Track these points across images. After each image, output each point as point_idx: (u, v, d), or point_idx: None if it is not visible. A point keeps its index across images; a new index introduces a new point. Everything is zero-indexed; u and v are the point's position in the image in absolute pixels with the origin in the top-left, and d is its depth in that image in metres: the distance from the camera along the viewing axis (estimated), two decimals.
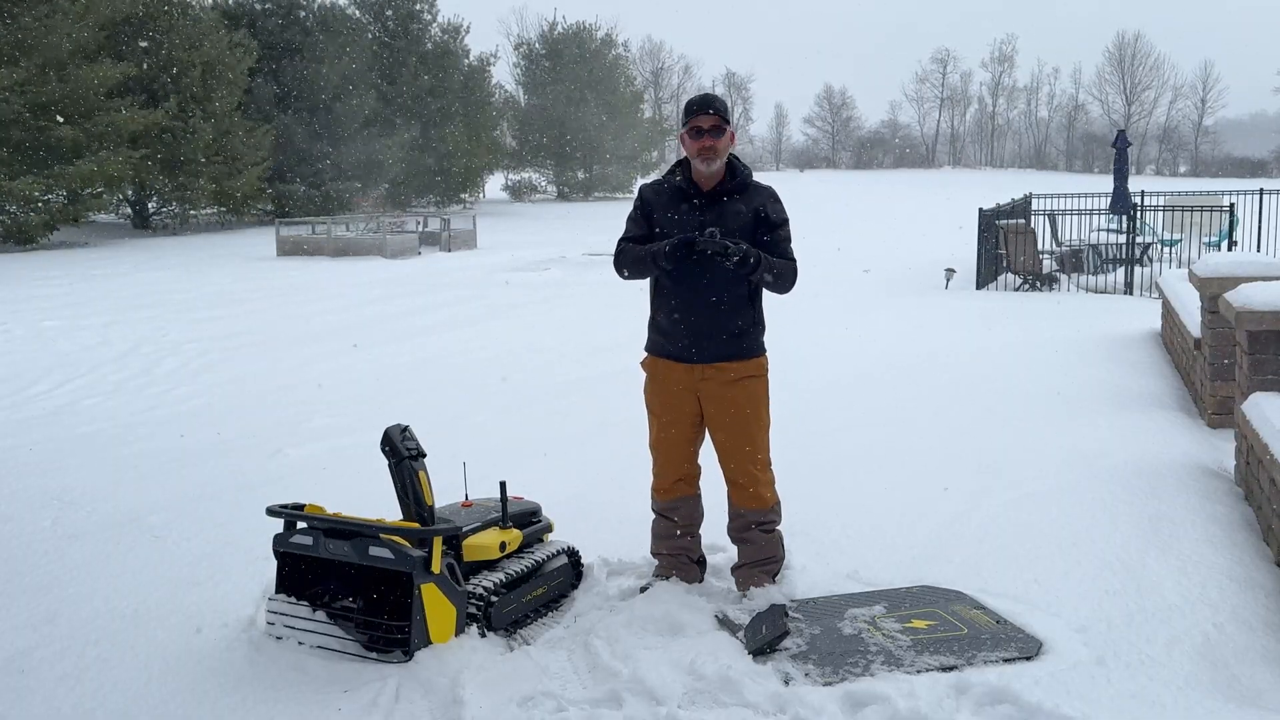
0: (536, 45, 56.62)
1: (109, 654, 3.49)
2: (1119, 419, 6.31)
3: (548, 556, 3.83)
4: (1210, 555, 4.02)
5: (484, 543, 3.61)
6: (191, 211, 32.29)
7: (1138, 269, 13.80)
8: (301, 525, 3.49)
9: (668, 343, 3.79)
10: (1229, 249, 15.43)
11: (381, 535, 3.30)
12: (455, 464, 5.80)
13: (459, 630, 3.37)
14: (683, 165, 3.80)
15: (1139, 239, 14.35)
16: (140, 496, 5.31)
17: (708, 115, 3.63)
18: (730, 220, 3.68)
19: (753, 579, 3.82)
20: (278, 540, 3.50)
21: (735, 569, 3.90)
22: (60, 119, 25.23)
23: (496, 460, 5.83)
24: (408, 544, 3.29)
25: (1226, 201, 16.11)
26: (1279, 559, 3.99)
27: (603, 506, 4.88)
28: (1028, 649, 3.30)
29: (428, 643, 3.29)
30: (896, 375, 8.02)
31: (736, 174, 3.75)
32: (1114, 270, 14.29)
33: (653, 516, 3.98)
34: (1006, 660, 3.24)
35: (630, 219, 3.87)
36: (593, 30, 56.27)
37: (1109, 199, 18.14)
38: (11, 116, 24.17)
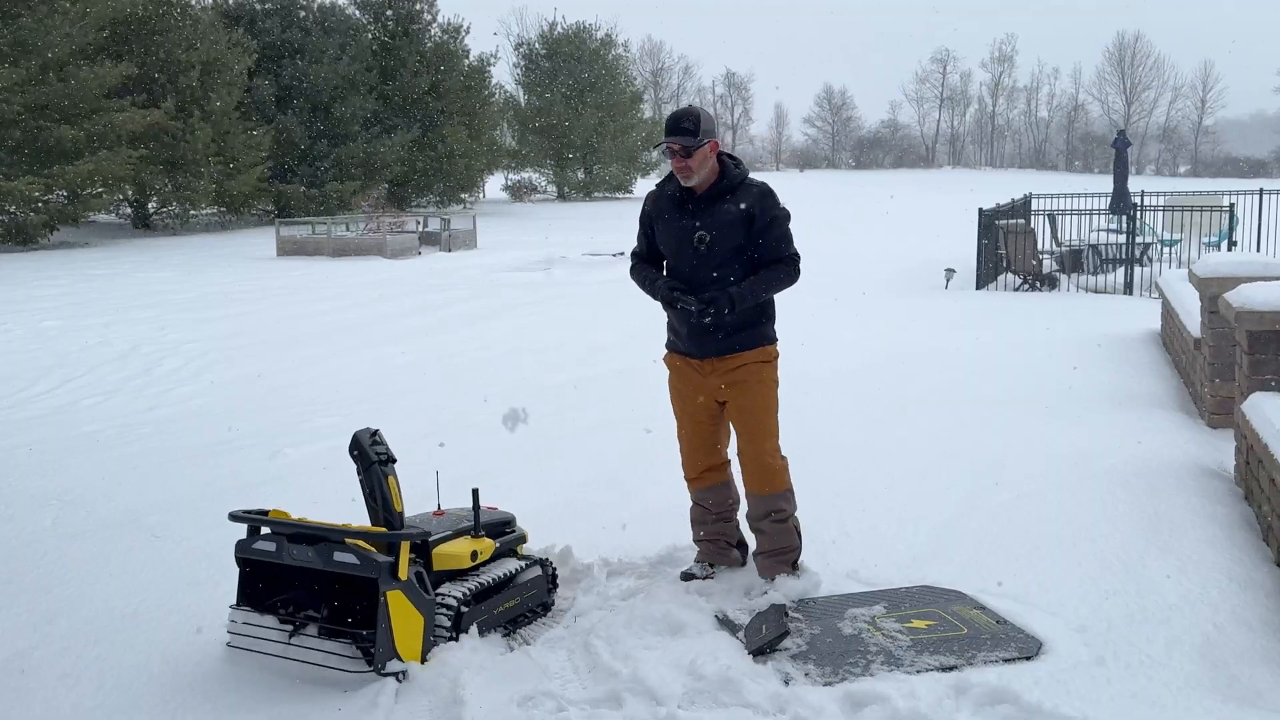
0: (536, 45, 56.57)
1: (109, 654, 3.49)
2: (1119, 419, 6.31)
3: (521, 568, 3.73)
4: (1210, 555, 4.03)
5: (454, 551, 3.51)
6: (192, 211, 32.26)
7: (1138, 269, 13.79)
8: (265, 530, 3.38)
9: (678, 340, 3.96)
10: (1229, 249, 15.42)
11: (346, 540, 3.19)
12: (456, 464, 5.80)
13: (427, 640, 3.25)
14: None
15: (1139, 239, 14.35)
16: (140, 496, 5.31)
17: (674, 138, 3.73)
18: (720, 221, 3.77)
19: (771, 568, 3.91)
20: (240, 546, 3.39)
21: (754, 556, 4.02)
22: (62, 118, 25.22)
23: (496, 460, 5.84)
24: (374, 549, 3.18)
25: (1226, 201, 16.09)
26: (1279, 559, 3.99)
27: (603, 506, 4.88)
28: (1028, 649, 3.30)
29: (394, 654, 3.16)
30: (897, 375, 8.02)
31: (726, 175, 3.82)
32: (1114, 270, 14.29)
33: (690, 503, 4.10)
34: (1006, 660, 3.24)
35: (640, 229, 4.05)
36: (592, 30, 56.22)
37: (1109, 199, 18.13)
38: (11, 117, 24.16)
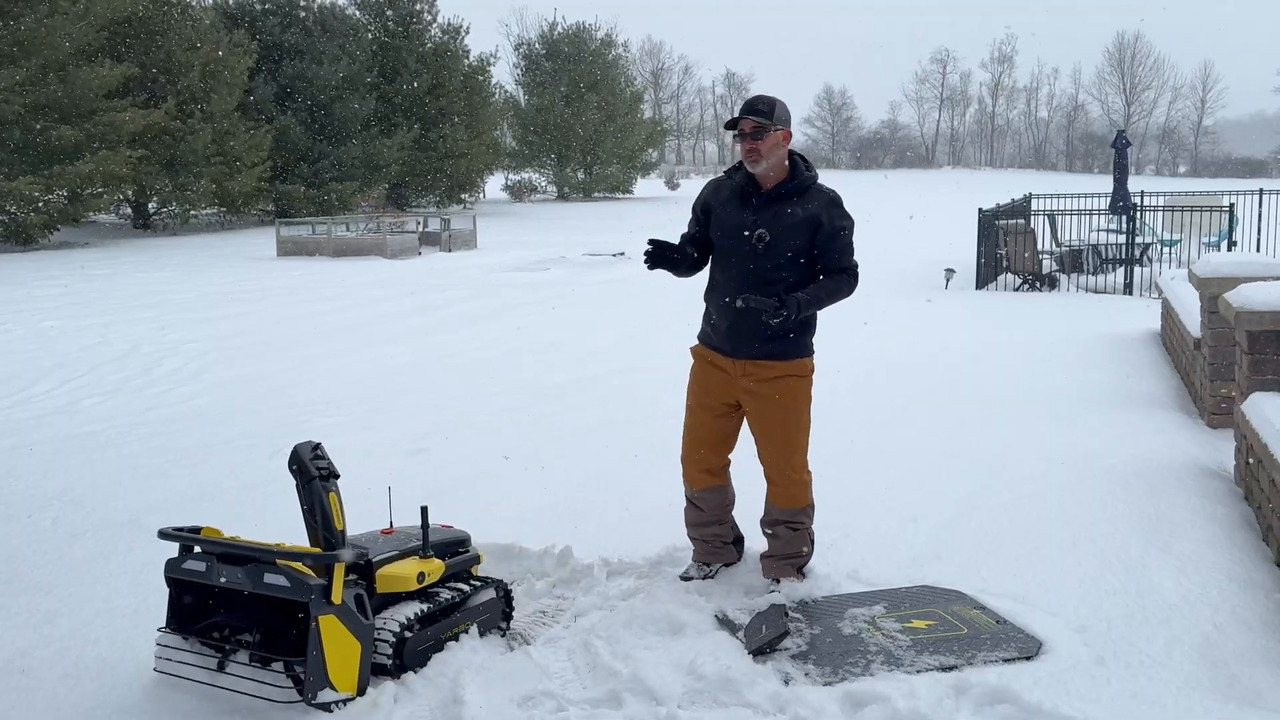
0: (536, 45, 56.57)
1: (109, 654, 3.49)
2: (1119, 419, 6.31)
3: (473, 590, 3.55)
4: (1210, 555, 4.03)
5: (400, 573, 3.32)
6: (191, 212, 32.28)
7: (1138, 269, 13.79)
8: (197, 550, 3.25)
9: (714, 335, 3.87)
10: (1229, 249, 15.42)
11: (278, 561, 3.03)
12: (456, 464, 5.81)
13: (364, 669, 3.07)
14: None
15: (1139, 239, 14.35)
16: (140, 496, 5.31)
17: (748, 119, 3.66)
18: (783, 222, 3.69)
19: (777, 570, 3.90)
20: (169, 566, 3.26)
21: (762, 557, 4.00)
22: (62, 118, 25.24)
23: (496, 460, 5.84)
24: (308, 571, 3.01)
25: (1226, 201, 16.10)
26: (1279, 559, 3.99)
27: (603, 506, 4.88)
28: (1027, 649, 3.30)
29: (327, 683, 2.97)
30: (897, 375, 8.02)
31: (796, 175, 3.75)
32: (1114, 270, 14.29)
33: (684, 502, 4.06)
34: (1006, 660, 3.24)
35: (692, 215, 3.97)
36: (592, 30, 56.23)
37: (1109, 199, 18.13)
38: (12, 117, 24.17)
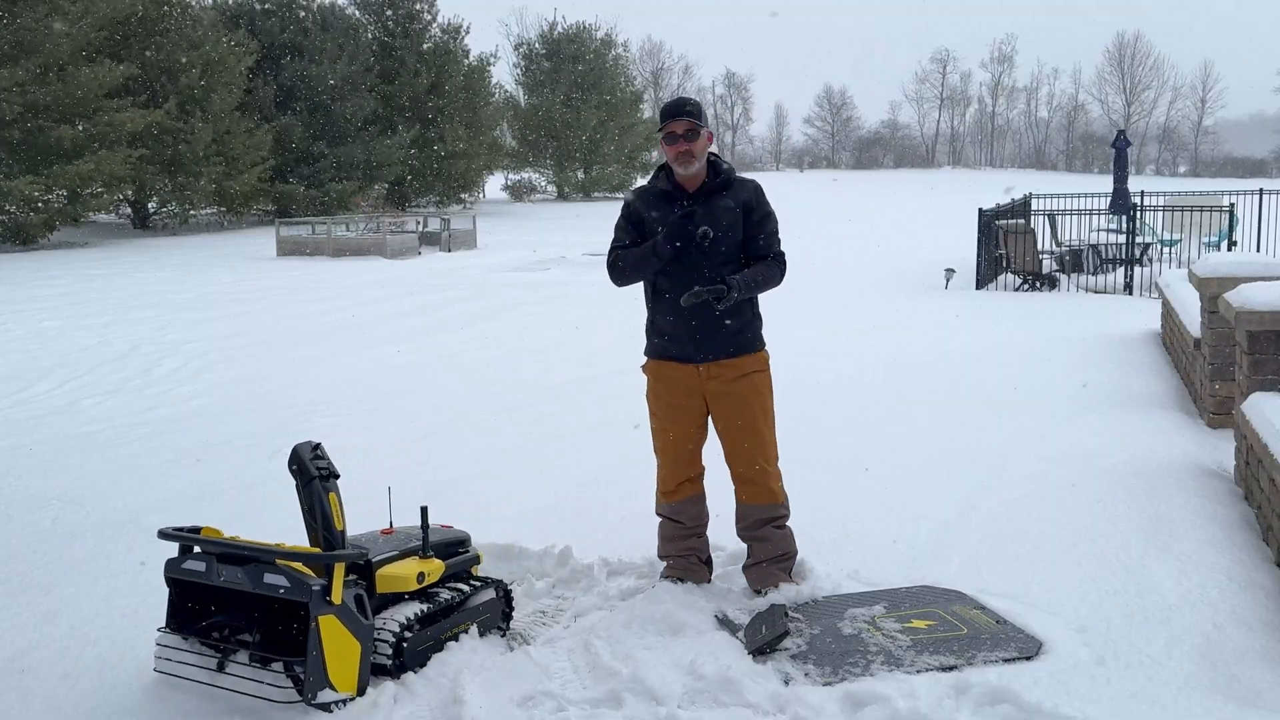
0: (536, 45, 56.60)
1: (109, 654, 3.49)
2: (1119, 419, 6.31)
3: (473, 590, 3.55)
4: (1210, 555, 4.02)
5: (400, 573, 3.32)
6: (191, 211, 32.29)
7: (1138, 269, 13.80)
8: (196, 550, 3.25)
9: (670, 345, 3.80)
10: (1229, 249, 15.41)
11: (277, 561, 3.03)
12: (456, 464, 5.81)
13: (364, 669, 3.07)
14: (666, 169, 3.83)
15: (1139, 239, 14.36)
16: (140, 496, 5.31)
17: (680, 120, 3.66)
18: (720, 217, 3.71)
19: (770, 576, 3.82)
20: (169, 566, 3.26)
21: (748, 567, 3.89)
22: (62, 117, 25.25)
23: (496, 460, 5.84)
24: (308, 571, 3.01)
25: (1226, 201, 16.09)
26: (1279, 559, 3.99)
27: (603, 506, 4.88)
28: (1027, 649, 3.30)
29: (326, 683, 2.97)
30: (896, 375, 8.02)
31: (719, 172, 3.79)
32: (1114, 270, 14.29)
33: (659, 520, 3.97)
34: (1006, 660, 3.24)
35: (619, 228, 3.90)
36: (592, 30, 56.26)
37: (1109, 199, 18.13)
38: (11, 116, 24.17)
